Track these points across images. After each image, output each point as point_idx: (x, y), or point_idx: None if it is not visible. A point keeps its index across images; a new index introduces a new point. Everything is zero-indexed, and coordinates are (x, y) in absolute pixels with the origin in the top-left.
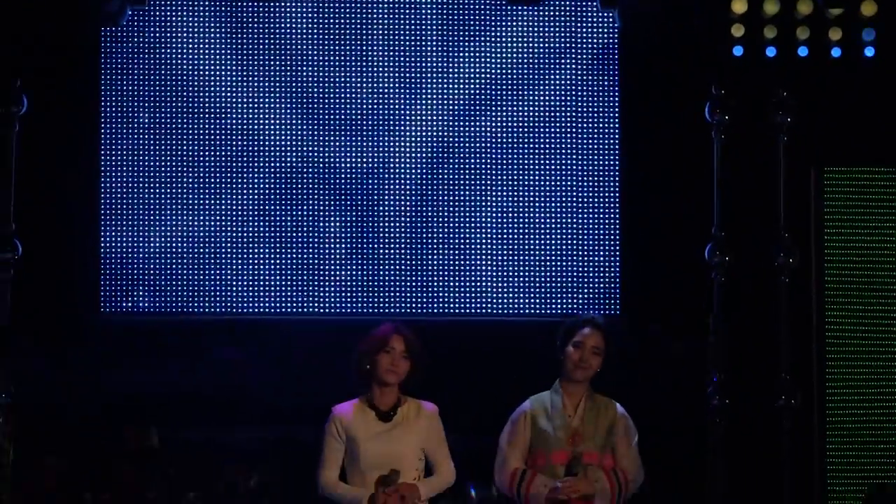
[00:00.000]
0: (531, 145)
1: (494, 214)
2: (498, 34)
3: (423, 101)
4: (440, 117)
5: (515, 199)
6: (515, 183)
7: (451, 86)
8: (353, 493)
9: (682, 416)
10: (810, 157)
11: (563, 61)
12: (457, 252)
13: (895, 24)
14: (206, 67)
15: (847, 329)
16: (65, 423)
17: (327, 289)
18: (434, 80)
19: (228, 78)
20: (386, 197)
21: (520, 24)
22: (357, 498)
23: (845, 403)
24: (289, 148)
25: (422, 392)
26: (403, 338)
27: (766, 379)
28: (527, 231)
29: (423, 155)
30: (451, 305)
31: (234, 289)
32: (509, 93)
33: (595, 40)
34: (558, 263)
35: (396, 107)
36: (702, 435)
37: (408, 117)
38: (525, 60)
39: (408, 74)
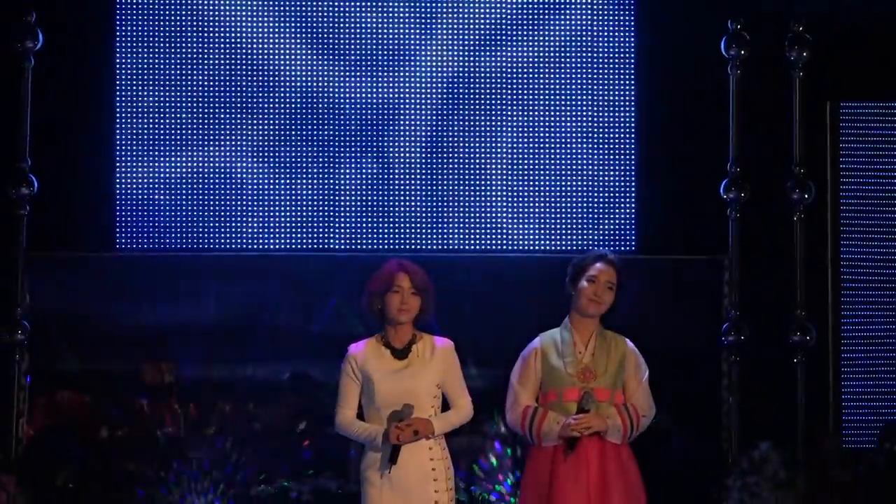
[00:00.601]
0: (547, 79)
1: (510, 150)
2: None
3: (439, 35)
4: (455, 51)
5: (531, 134)
6: (531, 118)
7: (466, 18)
8: (369, 430)
9: (697, 352)
10: (826, 92)
11: None
12: (472, 187)
13: None
14: (222, 1)
15: (862, 264)
16: (81, 359)
17: (341, 224)
18: (449, 13)
19: (244, 11)
20: (400, 132)
21: None
22: (372, 434)
23: (860, 340)
24: (303, 82)
25: (441, 329)
26: (409, 275)
27: (781, 316)
28: (542, 166)
29: (439, 89)
30: (466, 241)
31: (249, 225)
32: (524, 27)
33: None
34: (573, 199)
35: (411, 40)
36: (716, 371)
37: (423, 50)
38: None
39: (423, 7)
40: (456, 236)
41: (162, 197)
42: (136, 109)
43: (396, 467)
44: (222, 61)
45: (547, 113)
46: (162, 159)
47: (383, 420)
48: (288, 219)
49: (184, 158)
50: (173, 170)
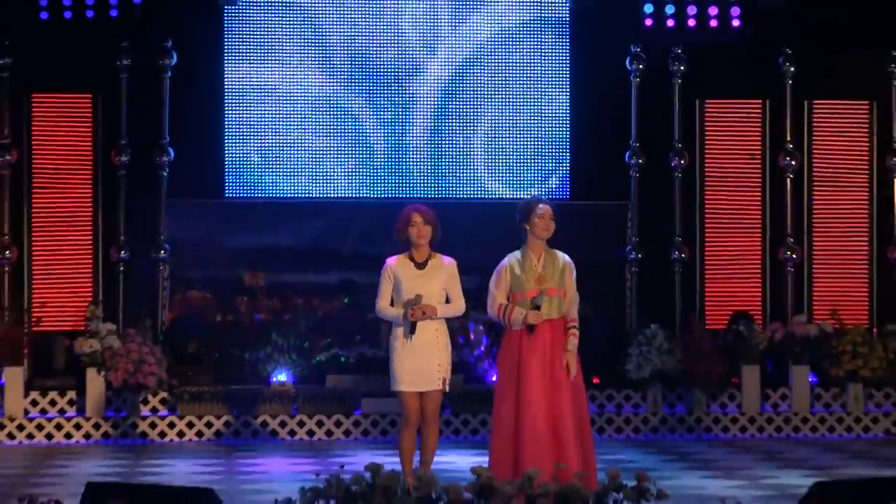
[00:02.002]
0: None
1: (486, 124)
2: None
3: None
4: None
5: (498, 113)
6: (501, 104)
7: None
8: (396, 311)
9: (609, 265)
10: (696, 92)
11: None
12: (460, 156)
13: (753, 7)
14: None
15: (720, 207)
16: (203, 269)
17: (376, 180)
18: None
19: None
20: (416, 110)
21: None
22: (398, 314)
23: (718, 257)
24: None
25: (444, 251)
26: (420, 213)
27: (665, 241)
28: (508, 139)
29: (448, 71)
30: (459, 191)
31: (313, 178)
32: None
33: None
34: (528, 161)
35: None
36: (622, 278)
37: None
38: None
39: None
40: (453, 188)
41: (256, 161)
42: (238, 100)
43: (413, 339)
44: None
45: (511, 98)
46: (255, 136)
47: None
48: (340, 176)
49: (270, 134)
50: (263, 142)
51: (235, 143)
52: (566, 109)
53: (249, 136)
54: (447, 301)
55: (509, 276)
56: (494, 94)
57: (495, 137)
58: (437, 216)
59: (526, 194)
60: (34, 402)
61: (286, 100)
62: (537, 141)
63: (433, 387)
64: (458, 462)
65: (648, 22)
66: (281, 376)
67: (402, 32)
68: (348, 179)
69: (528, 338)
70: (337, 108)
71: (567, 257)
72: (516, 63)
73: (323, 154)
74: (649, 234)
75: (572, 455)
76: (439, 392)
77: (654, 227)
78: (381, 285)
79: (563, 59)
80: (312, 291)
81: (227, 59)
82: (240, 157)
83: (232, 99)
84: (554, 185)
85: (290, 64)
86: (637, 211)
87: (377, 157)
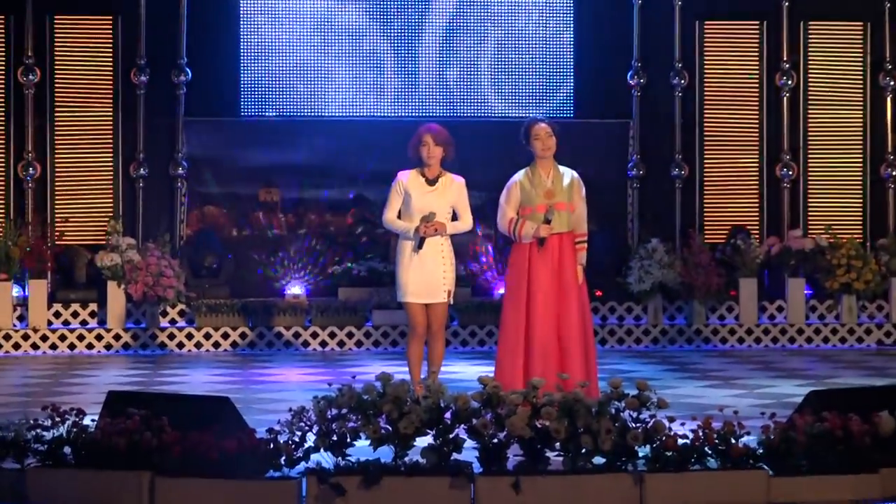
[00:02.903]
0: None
1: (493, 46)
2: None
3: None
4: None
5: (504, 34)
6: (509, 27)
7: None
8: (406, 224)
9: (613, 182)
10: (695, 14)
11: None
12: (469, 75)
13: None
14: None
15: (719, 124)
16: (220, 186)
17: (389, 98)
18: None
19: None
20: (425, 39)
21: None
22: (407, 227)
23: (717, 173)
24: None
25: (452, 167)
26: (431, 134)
27: (666, 157)
28: (515, 60)
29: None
30: (469, 109)
31: (329, 97)
32: None
33: None
34: (534, 81)
35: None
36: (624, 194)
37: None
38: None
39: None
40: (465, 106)
41: (270, 81)
42: (253, 22)
43: (420, 253)
44: None
45: (517, 21)
46: (271, 55)
47: (415, 221)
48: (352, 95)
49: (286, 54)
50: (279, 62)
51: (251, 62)
52: (570, 30)
53: (265, 55)
54: (454, 218)
55: (519, 191)
56: (500, 16)
57: (501, 58)
58: (450, 136)
59: (531, 113)
60: (57, 314)
61: (300, 20)
62: (542, 61)
63: (439, 299)
64: (465, 372)
65: None
66: (295, 289)
67: None
68: (360, 99)
69: (538, 251)
70: (349, 28)
71: (575, 174)
72: None
73: (336, 74)
74: (650, 151)
75: (576, 365)
76: (444, 304)
77: (654, 144)
78: (391, 197)
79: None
80: (326, 206)
81: None
82: (255, 76)
83: (247, 19)
84: (558, 104)
85: None
86: (638, 129)
87: (388, 78)
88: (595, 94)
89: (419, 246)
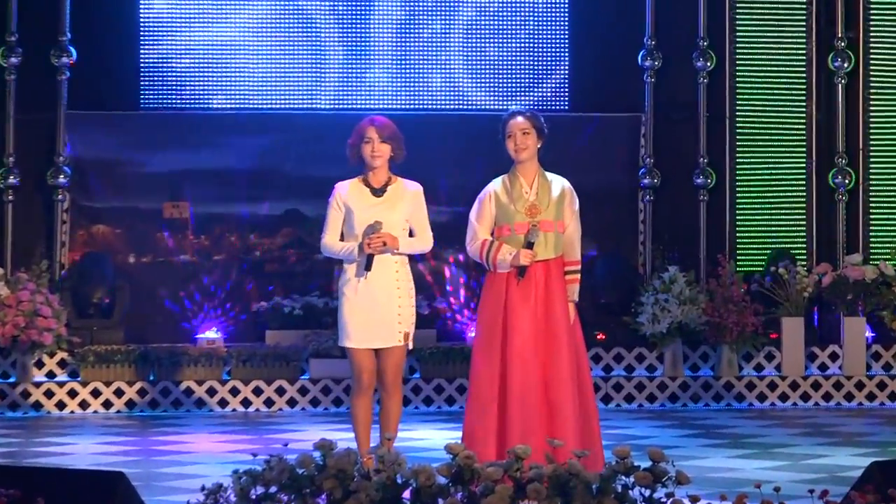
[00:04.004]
0: None
1: (466, 22)
2: None
3: None
4: None
5: (484, 11)
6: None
7: None
8: (347, 246)
9: (619, 193)
10: None
11: None
12: (437, 57)
13: None
14: None
15: (753, 119)
16: (113, 199)
17: (327, 87)
18: None
19: None
20: (378, 9)
21: None
22: (350, 248)
23: (751, 182)
24: None
25: (405, 173)
26: (376, 128)
27: (687, 162)
28: (492, 39)
29: None
30: (433, 101)
31: (251, 86)
32: None
33: None
34: (519, 68)
35: None
36: (634, 208)
37: None
38: None
39: None
40: (424, 97)
41: (179, 63)
42: None
43: (367, 283)
44: None
45: None
46: (179, 31)
47: (360, 240)
48: (283, 82)
49: (198, 30)
50: (189, 40)
51: (153, 41)
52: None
53: (171, 32)
54: (410, 235)
55: (494, 205)
56: None
57: (477, 34)
58: (399, 131)
59: (513, 105)
60: None
61: None
62: (529, 38)
63: (392, 342)
64: (429, 438)
65: None
66: (210, 332)
67: None
68: (295, 86)
69: (518, 282)
70: None
71: (567, 183)
72: None
73: (263, 55)
74: (667, 153)
75: (571, 429)
76: (401, 349)
77: (673, 145)
78: (329, 216)
79: None
80: (249, 225)
81: None
82: (159, 57)
83: None
84: (548, 94)
85: None
86: (652, 125)
87: (330, 59)
88: (596, 80)
89: (366, 267)
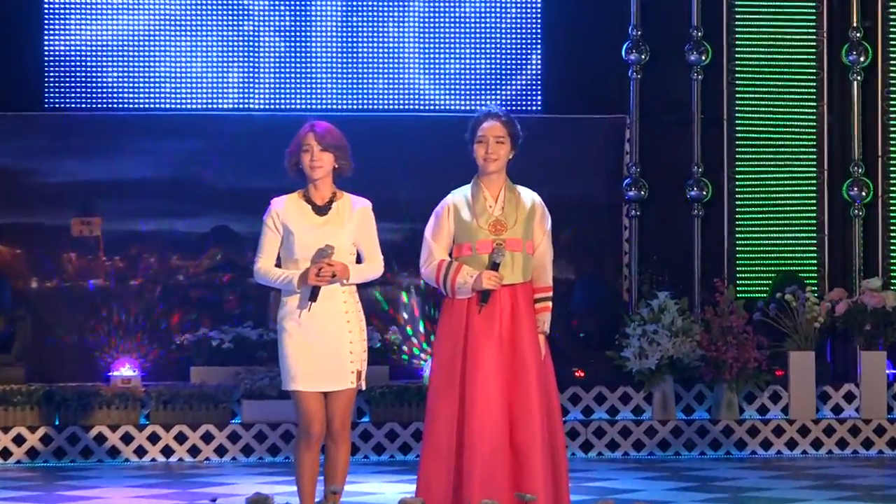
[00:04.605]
0: None
1: (422, 15)
2: None
3: None
4: None
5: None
6: None
7: None
8: (287, 274)
9: (600, 207)
10: None
11: None
12: (387, 51)
13: None
14: None
15: (757, 127)
16: (13, 213)
17: (262, 86)
18: None
19: None
20: None
21: None
22: (289, 277)
23: (753, 193)
24: None
25: (352, 186)
26: (316, 134)
27: (679, 171)
28: (451, 29)
29: None
30: (383, 101)
31: (173, 85)
32: None
33: None
34: (481, 62)
35: None
36: (618, 224)
37: None
38: None
39: None
40: (372, 97)
41: (89, 58)
42: None
43: (312, 315)
44: None
45: None
46: (88, 23)
47: (302, 267)
48: (210, 80)
49: (110, 22)
50: (100, 33)
51: (59, 31)
52: None
53: (80, 22)
54: (358, 260)
55: (453, 220)
56: None
57: (434, 23)
58: (344, 138)
59: (477, 105)
60: None
61: None
62: (494, 27)
63: (342, 384)
64: (381, 492)
65: None
66: (125, 369)
67: None
68: (224, 84)
69: (479, 310)
70: None
71: (537, 197)
72: None
73: (187, 48)
74: (656, 161)
75: (540, 481)
76: (351, 392)
77: (662, 152)
78: (264, 237)
79: None
80: (171, 245)
81: None
82: (66, 52)
83: None
84: (517, 92)
85: None
86: (638, 129)
87: (265, 52)
88: (573, 76)
89: (311, 298)
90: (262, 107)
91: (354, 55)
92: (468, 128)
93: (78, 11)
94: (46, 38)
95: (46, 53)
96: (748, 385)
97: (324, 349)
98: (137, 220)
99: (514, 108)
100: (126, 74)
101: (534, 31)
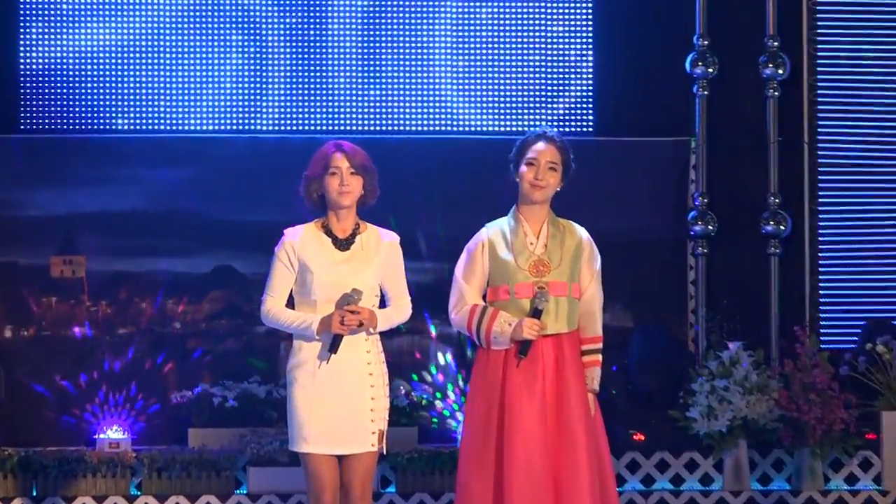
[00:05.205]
0: None
1: (454, 20)
2: None
3: None
4: None
5: (476, 3)
6: None
7: None
8: (303, 318)
9: (660, 244)
10: None
11: None
12: (415, 63)
13: None
14: None
15: (840, 145)
16: None
17: (271, 104)
18: None
19: None
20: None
21: None
22: (306, 322)
23: (839, 228)
24: None
25: (376, 219)
26: (345, 154)
27: (753, 203)
28: (489, 40)
29: None
30: (409, 122)
31: (166, 105)
32: None
33: None
34: (524, 76)
35: None
36: (682, 264)
37: None
38: None
39: None
40: (397, 117)
41: (71, 74)
42: None
43: (329, 369)
44: None
45: None
46: (70, 34)
47: (320, 310)
48: (211, 98)
49: (94, 32)
50: (83, 44)
51: (36, 42)
52: None
53: (61, 32)
54: (382, 304)
55: (488, 258)
56: None
57: (468, 33)
58: (371, 162)
59: (518, 127)
60: None
61: None
62: (539, 38)
63: (361, 447)
64: None
65: None
66: (113, 431)
67: None
68: (226, 103)
69: (519, 364)
70: None
71: (585, 233)
72: None
73: (184, 63)
74: (726, 191)
75: None
76: (372, 456)
77: (733, 180)
78: (275, 272)
79: None
80: (166, 288)
81: None
82: (45, 67)
83: None
84: (565, 111)
85: None
86: (705, 154)
87: (273, 64)
88: (629, 93)
89: (331, 349)
90: (270, 128)
91: (375, 69)
92: (514, 148)
93: (58, 21)
94: (22, 49)
95: (22, 67)
96: (834, 450)
97: (341, 405)
98: (127, 258)
99: (559, 129)
100: (114, 91)
101: (584, 39)
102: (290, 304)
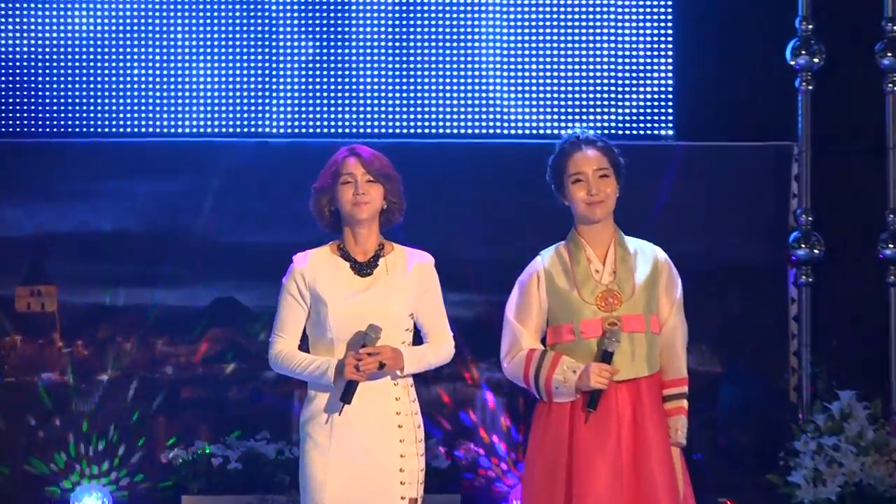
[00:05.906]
0: None
1: (505, 4)
2: None
3: None
4: None
5: None
6: None
7: None
8: (317, 362)
9: (756, 270)
10: None
11: None
12: (457, 54)
13: None
14: None
15: None
16: None
17: (281, 104)
18: None
19: None
20: None
21: None
22: (322, 367)
23: None
24: None
25: (407, 240)
26: (360, 160)
27: (867, 221)
28: (549, 28)
29: None
30: (450, 123)
31: (156, 104)
32: None
33: None
34: (590, 70)
35: None
36: (782, 295)
37: None
38: None
39: None
40: (434, 118)
41: (42, 67)
42: None
43: (347, 419)
44: None
45: None
46: (41, 18)
47: (336, 355)
48: (210, 95)
49: (71, 20)
50: (57, 33)
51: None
52: None
53: (31, 18)
54: (416, 340)
55: (545, 293)
56: None
57: (519, 19)
58: (393, 168)
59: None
60: None
61: None
62: (608, 26)
63: None
64: None
65: None
66: (91, 501)
67: None
68: (229, 103)
69: (587, 418)
70: None
71: (660, 252)
72: None
73: (174, 53)
74: (835, 206)
75: None
76: None
77: (845, 192)
78: (284, 309)
79: None
80: (154, 324)
81: None
82: (9, 56)
83: None
84: (639, 112)
85: None
86: (809, 161)
87: (284, 58)
88: (716, 89)
89: (344, 399)
90: (281, 130)
91: (408, 60)
92: (549, 168)
93: (29, 5)
94: None
95: None
96: None
97: (364, 466)
98: (107, 289)
99: (631, 133)
100: (93, 88)
101: (662, 24)
102: (305, 343)
